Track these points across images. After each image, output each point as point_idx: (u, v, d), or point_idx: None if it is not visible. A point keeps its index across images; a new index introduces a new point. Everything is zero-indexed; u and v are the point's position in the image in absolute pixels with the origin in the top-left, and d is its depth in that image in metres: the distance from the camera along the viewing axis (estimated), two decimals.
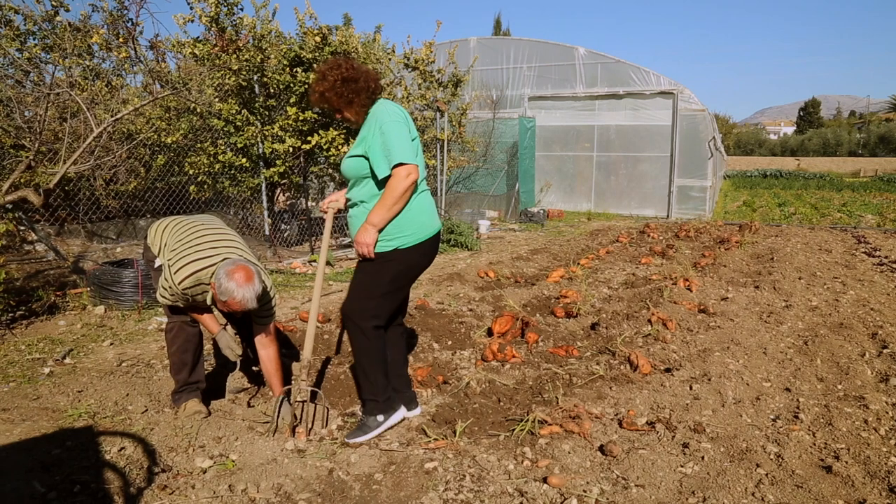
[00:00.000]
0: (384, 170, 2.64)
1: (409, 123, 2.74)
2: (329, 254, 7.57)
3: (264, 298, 2.87)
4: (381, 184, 2.69)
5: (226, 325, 3.16)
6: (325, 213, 3.07)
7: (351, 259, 7.69)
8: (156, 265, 3.03)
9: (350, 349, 3.61)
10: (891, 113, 61.80)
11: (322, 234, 3.14)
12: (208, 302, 2.85)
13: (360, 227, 2.69)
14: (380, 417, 2.87)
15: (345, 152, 6.23)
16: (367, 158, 2.70)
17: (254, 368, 3.55)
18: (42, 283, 5.49)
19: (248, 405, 3.29)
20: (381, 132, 2.65)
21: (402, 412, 2.98)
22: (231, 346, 3.04)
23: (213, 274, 2.74)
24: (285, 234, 8.09)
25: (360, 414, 2.97)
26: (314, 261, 7.24)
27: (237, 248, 2.95)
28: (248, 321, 3.16)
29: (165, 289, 2.84)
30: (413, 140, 2.72)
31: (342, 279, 6.53)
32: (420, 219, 2.76)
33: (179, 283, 2.77)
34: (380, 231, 2.70)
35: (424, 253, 2.84)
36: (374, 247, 2.71)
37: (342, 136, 7.31)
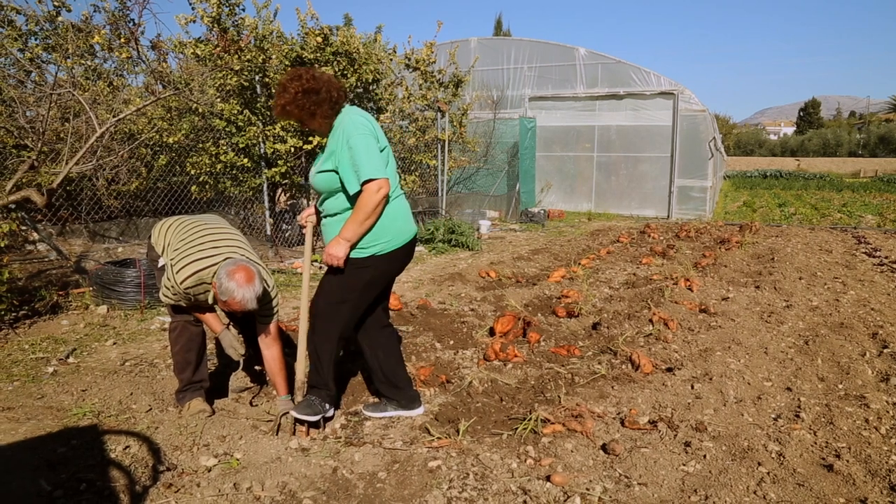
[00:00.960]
0: (354, 185, 2.62)
1: (377, 133, 2.72)
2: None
3: (266, 298, 2.88)
4: (353, 197, 2.68)
5: (228, 324, 3.18)
6: (304, 226, 3.07)
7: None
8: (159, 264, 3.04)
9: (351, 348, 3.64)
10: (891, 113, 61.83)
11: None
12: (210, 301, 2.86)
13: (333, 240, 2.69)
14: (327, 405, 2.94)
15: None
16: (337, 173, 2.68)
17: (256, 368, 3.57)
18: (44, 282, 5.51)
19: (251, 404, 3.30)
20: (348, 147, 2.62)
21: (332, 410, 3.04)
22: (234, 345, 3.05)
23: (214, 273, 2.75)
24: (287, 234, 8.11)
25: (312, 397, 2.95)
26: (316, 260, 7.26)
27: (240, 247, 2.97)
28: (252, 321, 3.17)
29: (168, 288, 2.85)
30: (383, 150, 2.70)
31: None
32: (395, 225, 2.77)
33: (181, 283, 2.78)
34: (353, 246, 2.71)
35: (400, 258, 2.87)
36: (345, 261, 2.71)
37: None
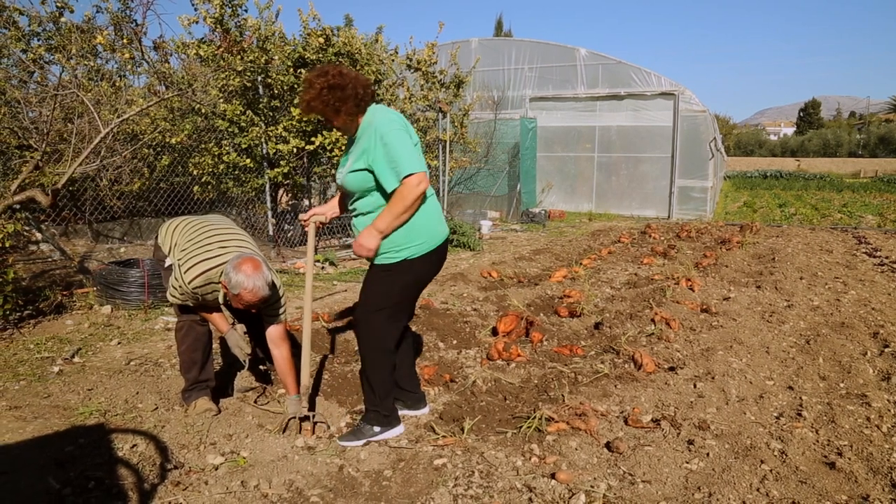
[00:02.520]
0: (393, 183, 2.56)
1: (408, 129, 2.67)
2: (332, 253, 7.61)
3: (273, 297, 2.90)
4: (389, 195, 2.61)
5: (234, 323, 3.20)
6: (307, 225, 2.99)
7: (354, 259, 7.72)
8: (166, 265, 3.07)
9: (355, 348, 3.65)
10: (891, 114, 61.87)
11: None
12: (220, 301, 2.89)
13: (365, 230, 2.62)
14: (376, 429, 2.84)
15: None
16: (370, 171, 2.62)
17: (261, 367, 3.58)
18: (48, 282, 5.53)
19: (256, 404, 3.32)
20: (383, 143, 2.55)
21: (399, 429, 2.91)
22: (240, 344, 3.07)
23: (222, 273, 2.77)
24: (289, 235, 8.12)
25: (358, 419, 2.95)
26: (318, 261, 7.28)
27: (246, 246, 2.99)
28: (257, 320, 3.20)
29: (175, 288, 2.87)
30: (415, 145, 2.65)
31: (346, 279, 6.56)
32: (429, 225, 2.69)
33: (190, 283, 2.81)
34: (384, 237, 2.63)
35: (434, 261, 2.78)
36: (375, 253, 2.65)
37: (345, 136, 7.35)
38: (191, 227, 3.05)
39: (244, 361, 3.17)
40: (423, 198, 2.62)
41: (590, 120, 14.08)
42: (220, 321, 3.06)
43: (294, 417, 2.91)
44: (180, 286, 2.84)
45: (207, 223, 3.10)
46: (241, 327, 3.22)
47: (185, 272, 2.82)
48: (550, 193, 14.58)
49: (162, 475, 2.50)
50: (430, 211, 2.71)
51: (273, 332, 3.01)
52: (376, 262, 2.72)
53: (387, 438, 2.86)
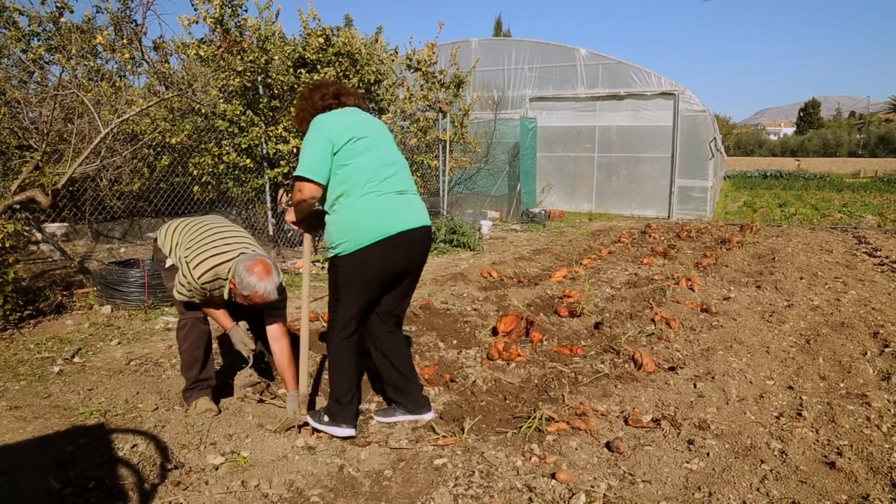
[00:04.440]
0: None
1: (339, 130, 2.70)
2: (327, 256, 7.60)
3: (281, 298, 2.94)
4: (326, 190, 2.75)
5: (238, 320, 3.22)
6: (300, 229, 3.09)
7: None
8: (167, 265, 3.10)
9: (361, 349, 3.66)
10: (890, 114, 61.86)
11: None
12: (225, 296, 2.93)
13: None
14: (326, 418, 2.86)
15: None
16: None
17: (263, 364, 3.59)
18: (48, 282, 5.53)
19: (260, 400, 3.33)
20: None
21: (345, 430, 2.84)
22: (244, 340, 3.10)
23: (230, 269, 2.83)
24: (289, 235, 8.13)
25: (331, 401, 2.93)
26: (317, 261, 7.28)
27: (249, 244, 3.06)
28: (256, 317, 3.21)
29: (183, 285, 2.91)
30: (340, 149, 2.68)
31: None
32: (358, 224, 2.68)
33: (199, 278, 2.85)
34: (298, 226, 2.93)
35: (375, 257, 2.72)
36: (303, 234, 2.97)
37: None
38: (192, 227, 3.08)
39: (248, 358, 3.19)
40: (335, 202, 2.72)
41: (590, 120, 14.08)
42: (224, 318, 3.09)
43: (293, 426, 2.92)
44: (188, 282, 2.88)
45: (208, 223, 3.14)
46: (243, 324, 3.23)
47: (193, 268, 2.86)
48: (550, 193, 14.58)
49: (162, 475, 2.50)
50: (365, 210, 2.70)
51: (274, 328, 3.06)
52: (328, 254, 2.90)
53: (330, 433, 2.85)
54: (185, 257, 2.92)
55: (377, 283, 2.82)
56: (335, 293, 2.84)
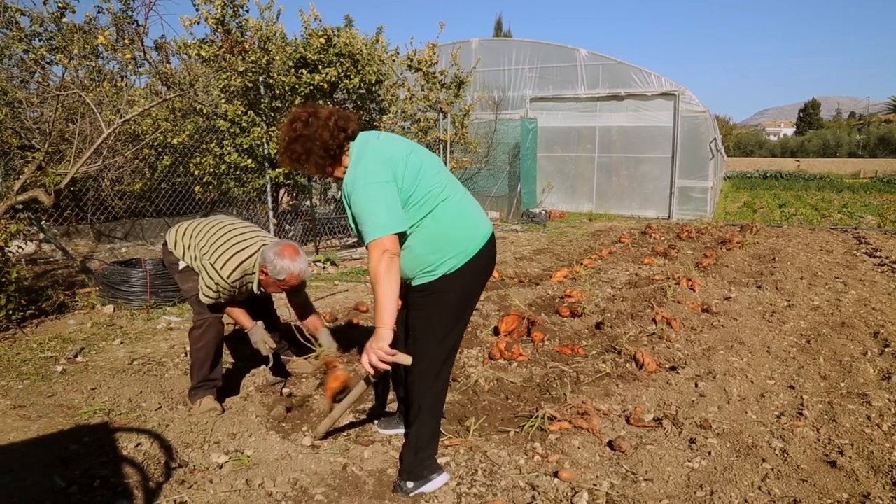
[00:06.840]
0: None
1: (394, 167, 2.24)
2: (333, 253, 7.62)
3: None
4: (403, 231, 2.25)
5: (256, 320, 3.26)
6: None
7: (355, 259, 7.74)
8: (180, 268, 3.14)
9: (356, 347, 3.66)
10: (890, 114, 61.89)
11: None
12: (255, 290, 3.01)
13: (373, 336, 2.15)
14: (410, 485, 2.42)
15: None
16: None
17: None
18: (51, 282, 5.54)
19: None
20: (352, 203, 2.23)
21: (440, 477, 2.44)
22: (265, 338, 3.15)
23: (255, 263, 2.91)
24: (290, 235, 8.14)
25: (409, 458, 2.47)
26: (318, 261, 7.29)
27: (265, 235, 3.12)
28: (264, 315, 3.35)
29: (210, 287, 2.95)
30: (414, 169, 2.28)
31: (347, 279, 6.58)
32: (456, 233, 2.31)
33: (228, 277, 2.91)
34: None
35: (479, 268, 2.36)
36: (386, 352, 2.14)
37: None
38: (205, 228, 3.11)
39: (269, 356, 3.22)
40: (419, 223, 2.27)
41: (590, 120, 14.09)
42: (244, 317, 3.16)
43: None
44: (217, 283, 2.92)
45: (220, 222, 3.18)
46: (261, 323, 3.25)
47: (220, 268, 2.91)
48: (551, 194, 14.59)
49: (167, 473, 2.51)
50: (455, 217, 2.33)
51: (299, 300, 3.28)
52: (413, 284, 2.37)
53: (434, 490, 2.42)
54: (208, 259, 2.95)
55: (475, 300, 2.46)
56: (429, 326, 2.35)
